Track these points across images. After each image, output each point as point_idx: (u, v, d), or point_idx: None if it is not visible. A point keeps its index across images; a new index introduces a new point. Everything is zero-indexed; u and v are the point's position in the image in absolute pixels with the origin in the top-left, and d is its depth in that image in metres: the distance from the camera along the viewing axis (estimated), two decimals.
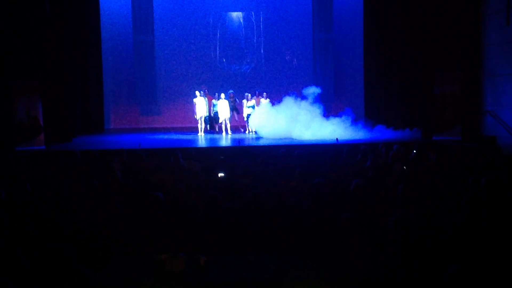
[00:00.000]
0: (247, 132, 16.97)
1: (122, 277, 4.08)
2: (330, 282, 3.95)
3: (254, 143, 14.59)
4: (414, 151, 10.34)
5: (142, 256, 4.40)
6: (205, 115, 16.85)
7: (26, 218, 5.29)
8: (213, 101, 17.06)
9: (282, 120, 15.40)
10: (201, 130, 16.70)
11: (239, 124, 17.59)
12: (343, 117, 15.72)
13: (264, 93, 16.96)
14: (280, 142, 14.01)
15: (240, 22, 20.77)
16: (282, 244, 5.10)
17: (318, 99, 16.00)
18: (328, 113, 16.45)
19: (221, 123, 16.80)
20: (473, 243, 4.53)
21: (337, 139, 14.02)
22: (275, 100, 16.63)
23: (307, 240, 5.07)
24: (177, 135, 17.02)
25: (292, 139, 14.79)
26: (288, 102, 15.85)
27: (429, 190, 6.34)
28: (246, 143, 14.52)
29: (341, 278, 4.05)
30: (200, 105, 16.66)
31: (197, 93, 16.77)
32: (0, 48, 13.43)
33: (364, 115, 17.96)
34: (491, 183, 6.20)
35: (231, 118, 16.97)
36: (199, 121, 16.71)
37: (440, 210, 5.51)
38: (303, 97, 15.84)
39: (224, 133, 16.64)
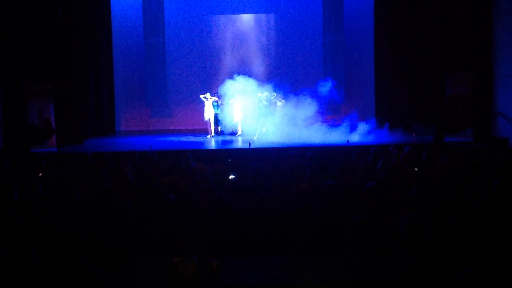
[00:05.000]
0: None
1: (135, 280, 4.09)
2: (341, 285, 3.94)
3: (265, 145, 14.56)
4: (425, 153, 10.29)
5: (155, 260, 4.42)
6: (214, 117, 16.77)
7: (39, 220, 5.33)
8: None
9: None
10: (211, 132, 16.67)
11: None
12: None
13: (279, 95, 16.51)
14: (290, 144, 13.98)
15: (250, 25, 20.77)
16: (293, 246, 5.09)
17: (329, 100, 15.93)
18: (338, 115, 16.35)
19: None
20: (486, 245, 4.50)
21: (347, 140, 13.99)
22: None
23: (318, 243, 5.06)
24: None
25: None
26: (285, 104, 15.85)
27: (441, 192, 6.30)
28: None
29: (353, 281, 4.04)
30: (208, 107, 16.63)
31: (207, 94, 16.75)
32: (13, 51, 13.58)
33: (375, 117, 17.86)
34: (503, 185, 6.15)
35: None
36: (208, 123, 16.68)
37: (452, 212, 5.48)
38: (316, 97, 15.72)
39: (239, 132, 16.43)
